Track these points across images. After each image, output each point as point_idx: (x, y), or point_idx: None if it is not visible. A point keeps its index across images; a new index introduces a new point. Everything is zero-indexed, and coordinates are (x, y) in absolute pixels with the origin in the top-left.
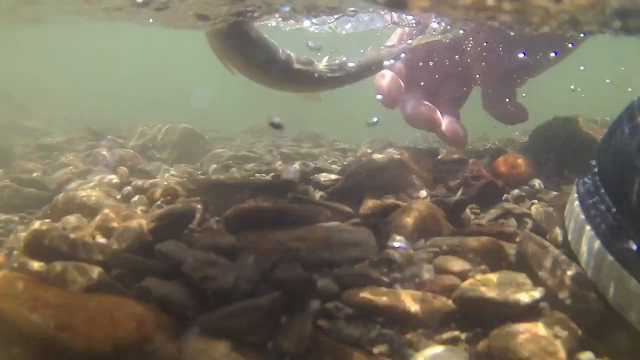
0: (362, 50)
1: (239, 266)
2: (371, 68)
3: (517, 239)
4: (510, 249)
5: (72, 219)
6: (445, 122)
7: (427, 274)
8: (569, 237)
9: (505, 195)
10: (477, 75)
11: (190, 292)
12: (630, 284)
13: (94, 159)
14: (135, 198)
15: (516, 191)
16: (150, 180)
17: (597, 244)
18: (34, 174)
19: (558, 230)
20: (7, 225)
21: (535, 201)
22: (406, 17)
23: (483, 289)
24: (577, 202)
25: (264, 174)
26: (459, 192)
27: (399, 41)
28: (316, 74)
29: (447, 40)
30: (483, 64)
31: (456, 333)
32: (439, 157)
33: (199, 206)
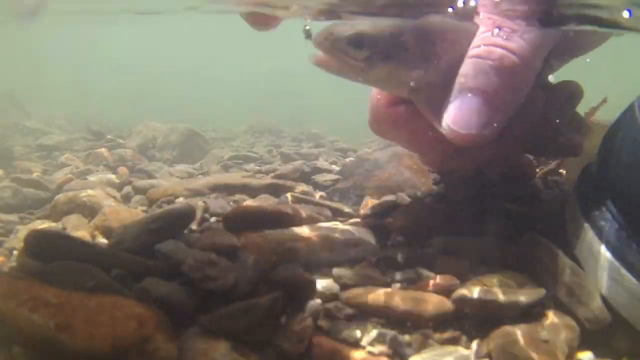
0: None
1: (239, 266)
2: None
3: (518, 239)
4: (511, 249)
5: (72, 219)
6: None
7: (427, 274)
8: (570, 237)
9: (505, 195)
10: None
11: (190, 292)
12: (631, 286)
13: (94, 159)
14: (136, 198)
15: (516, 191)
16: (150, 180)
17: (596, 244)
18: (34, 174)
19: (558, 231)
20: (7, 225)
21: (536, 201)
22: None
23: (483, 289)
24: (576, 203)
25: (264, 174)
26: (459, 192)
27: None
28: None
29: None
30: None
31: (456, 333)
32: None
33: (199, 205)
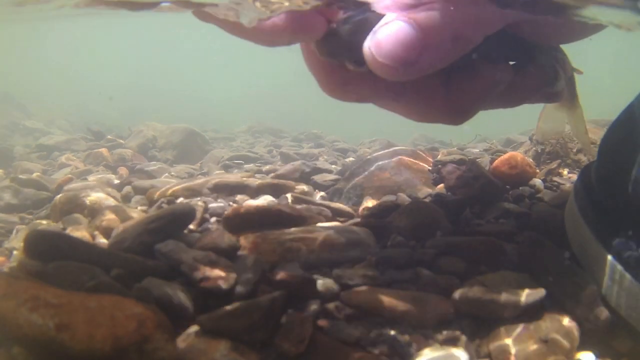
0: None
1: (239, 266)
2: None
3: (517, 239)
4: (510, 249)
5: (72, 219)
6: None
7: (427, 274)
8: (569, 237)
9: (505, 195)
10: None
11: (190, 292)
12: (630, 286)
13: (94, 159)
14: (135, 198)
15: (516, 191)
16: (150, 181)
17: (595, 244)
18: (34, 174)
19: (558, 231)
20: (7, 225)
21: (536, 201)
22: None
23: (483, 289)
24: (575, 202)
25: (264, 174)
26: (459, 192)
27: None
28: None
29: None
30: None
31: (456, 333)
32: (439, 157)
33: (199, 205)
